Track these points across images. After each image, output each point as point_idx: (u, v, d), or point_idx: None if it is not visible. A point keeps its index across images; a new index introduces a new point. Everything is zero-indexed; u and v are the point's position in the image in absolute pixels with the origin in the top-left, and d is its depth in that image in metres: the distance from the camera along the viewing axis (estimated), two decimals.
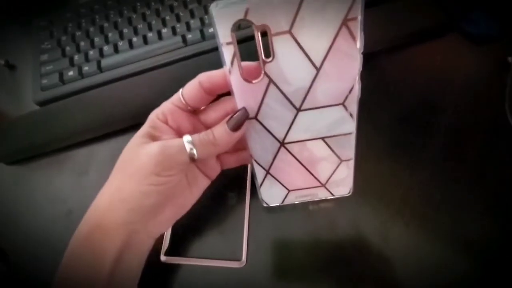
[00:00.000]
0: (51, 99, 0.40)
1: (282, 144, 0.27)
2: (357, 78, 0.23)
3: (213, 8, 0.21)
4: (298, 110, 0.25)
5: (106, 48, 0.41)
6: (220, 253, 0.31)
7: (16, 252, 0.35)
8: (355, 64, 0.22)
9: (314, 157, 0.28)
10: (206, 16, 0.41)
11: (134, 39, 0.41)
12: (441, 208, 0.31)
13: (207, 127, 0.27)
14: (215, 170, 0.30)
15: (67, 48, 0.41)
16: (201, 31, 0.40)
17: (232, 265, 0.30)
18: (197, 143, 0.24)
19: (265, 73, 0.23)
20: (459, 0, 0.38)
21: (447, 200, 0.31)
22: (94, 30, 0.42)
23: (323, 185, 0.29)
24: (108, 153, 0.38)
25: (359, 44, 0.22)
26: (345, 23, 0.21)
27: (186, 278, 0.31)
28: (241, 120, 0.24)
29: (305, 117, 0.25)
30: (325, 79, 0.23)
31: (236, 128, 0.24)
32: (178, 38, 0.40)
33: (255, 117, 0.25)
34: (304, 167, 0.28)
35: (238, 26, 0.21)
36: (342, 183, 0.29)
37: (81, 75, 0.40)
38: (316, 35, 0.21)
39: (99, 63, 0.40)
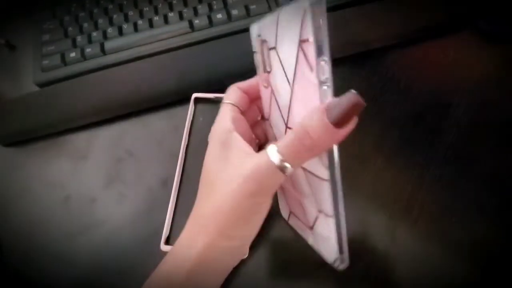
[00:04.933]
0: (52, 80, 0.38)
1: None
2: None
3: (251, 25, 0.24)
4: (286, 126, 0.23)
5: (110, 30, 0.39)
6: None
7: (10, 238, 0.34)
8: (316, 94, 0.18)
9: (303, 188, 0.24)
10: (214, 2, 0.39)
11: (140, 22, 0.39)
12: (451, 207, 0.30)
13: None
14: None
15: (70, 29, 0.40)
16: (209, 17, 0.39)
17: None
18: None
19: (270, 83, 0.24)
20: None
21: (457, 199, 0.30)
22: (98, 11, 0.41)
23: (311, 229, 0.25)
24: (108, 139, 0.37)
25: (316, 71, 0.17)
26: (301, 45, 0.18)
27: None
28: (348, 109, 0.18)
29: None
30: (296, 101, 0.21)
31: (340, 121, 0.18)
32: (185, 23, 0.39)
33: (267, 119, 0.26)
34: (297, 192, 0.25)
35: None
36: (327, 243, 0.23)
37: (84, 57, 0.39)
38: (288, 55, 0.20)
39: (102, 45, 0.39)
